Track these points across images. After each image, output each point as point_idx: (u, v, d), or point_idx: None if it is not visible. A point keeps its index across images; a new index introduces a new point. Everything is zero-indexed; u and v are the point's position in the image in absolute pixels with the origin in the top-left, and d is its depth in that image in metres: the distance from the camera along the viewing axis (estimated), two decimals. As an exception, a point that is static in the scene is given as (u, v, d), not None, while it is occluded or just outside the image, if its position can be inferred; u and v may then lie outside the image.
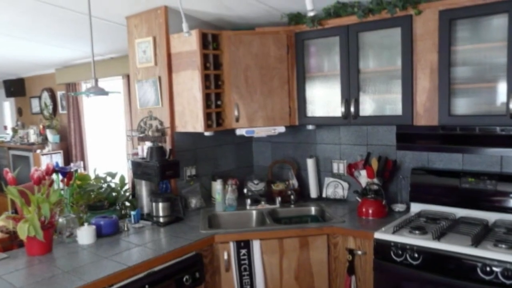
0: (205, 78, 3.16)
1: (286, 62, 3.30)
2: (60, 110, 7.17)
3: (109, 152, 6.29)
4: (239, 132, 3.34)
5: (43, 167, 2.79)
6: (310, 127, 3.46)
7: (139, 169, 3.15)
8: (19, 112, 8.14)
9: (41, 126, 7.12)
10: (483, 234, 2.53)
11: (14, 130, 7.69)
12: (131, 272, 2.31)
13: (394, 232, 2.67)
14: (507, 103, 2.47)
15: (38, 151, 6.71)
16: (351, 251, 2.82)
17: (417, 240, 2.55)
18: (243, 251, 2.83)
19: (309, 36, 3.25)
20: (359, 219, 3.05)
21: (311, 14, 2.28)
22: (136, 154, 3.38)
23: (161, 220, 3.07)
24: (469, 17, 2.58)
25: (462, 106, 2.68)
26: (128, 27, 3.60)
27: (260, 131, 3.33)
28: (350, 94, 3.07)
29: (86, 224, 2.77)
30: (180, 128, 3.35)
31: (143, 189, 3.21)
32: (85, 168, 6.40)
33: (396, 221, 2.89)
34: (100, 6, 3.18)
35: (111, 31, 3.93)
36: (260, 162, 4.13)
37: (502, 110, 2.52)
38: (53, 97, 7.21)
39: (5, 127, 8.25)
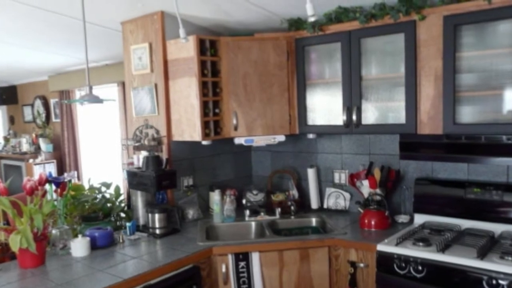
0: (203, 86, 3.12)
1: (286, 69, 3.27)
2: (53, 119, 7.14)
3: (104, 161, 6.25)
4: (237, 141, 3.31)
5: (36, 177, 2.80)
6: (310, 136, 3.42)
7: (134, 179, 3.11)
8: (11, 120, 8.09)
9: (33, 135, 7.10)
10: (489, 246, 2.50)
11: (6, 139, 7.66)
12: (127, 285, 2.29)
13: (397, 244, 2.63)
14: (514, 111, 2.45)
15: (31, 160, 6.68)
16: (353, 264, 2.79)
17: (421, 252, 2.52)
18: (242, 264, 2.79)
19: (310, 42, 3.22)
20: (361, 231, 3.01)
21: (312, 19, 2.26)
22: (132, 163, 3.35)
23: (157, 231, 3.03)
24: (475, 23, 2.56)
25: (468, 114, 2.65)
26: (124, 33, 3.55)
27: (259, 140, 3.30)
28: (352, 101, 3.03)
29: (80, 235, 2.76)
30: (177, 137, 3.30)
31: (139, 200, 3.19)
32: (79, 178, 6.38)
33: (399, 232, 2.86)
34: (94, 12, 3.14)
35: (106, 37, 3.91)
36: (259, 172, 4.08)
37: (509, 119, 2.49)
38: (46, 105, 7.18)
39: (-4, 136, 8.20)
